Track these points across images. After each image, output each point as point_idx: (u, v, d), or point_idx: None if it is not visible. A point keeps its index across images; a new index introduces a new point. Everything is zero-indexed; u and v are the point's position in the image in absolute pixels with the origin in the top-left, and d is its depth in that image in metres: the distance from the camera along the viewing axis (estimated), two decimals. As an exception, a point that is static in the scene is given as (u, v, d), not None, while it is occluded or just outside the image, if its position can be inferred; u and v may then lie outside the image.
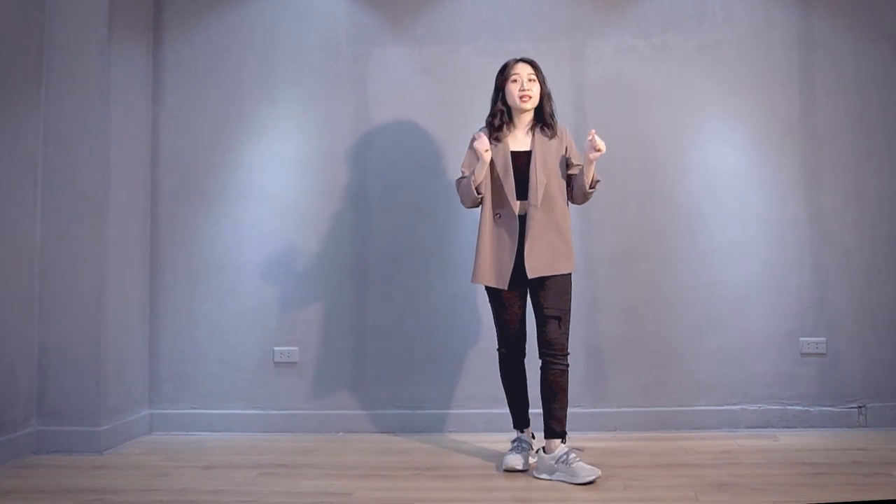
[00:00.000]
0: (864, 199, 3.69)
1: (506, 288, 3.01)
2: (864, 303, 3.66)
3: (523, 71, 3.07)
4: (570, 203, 3.12)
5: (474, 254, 3.11)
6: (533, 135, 3.08)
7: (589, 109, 3.78)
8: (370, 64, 3.89)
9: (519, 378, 3.16)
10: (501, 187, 3.03)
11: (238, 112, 3.90)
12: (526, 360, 3.16)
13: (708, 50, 3.79)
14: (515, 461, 3.04)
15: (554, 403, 2.97)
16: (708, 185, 3.74)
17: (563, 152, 3.09)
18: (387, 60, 3.88)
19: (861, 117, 3.71)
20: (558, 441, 2.96)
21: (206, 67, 3.92)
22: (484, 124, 3.16)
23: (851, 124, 3.71)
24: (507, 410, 3.23)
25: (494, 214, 3.05)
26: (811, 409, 3.64)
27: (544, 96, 3.10)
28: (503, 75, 3.10)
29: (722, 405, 3.66)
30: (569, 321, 3.02)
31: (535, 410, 3.13)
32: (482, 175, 3.01)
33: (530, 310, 3.09)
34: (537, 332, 3.02)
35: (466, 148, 3.17)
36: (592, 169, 3.00)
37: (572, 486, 2.84)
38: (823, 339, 3.66)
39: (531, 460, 3.08)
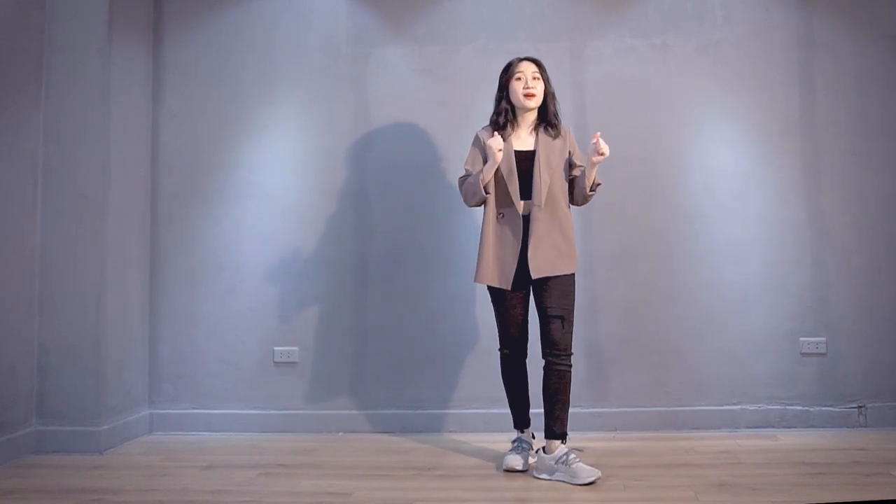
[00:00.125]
0: (864, 199, 3.69)
1: (509, 288, 3.00)
2: (864, 303, 3.66)
3: (528, 69, 3.05)
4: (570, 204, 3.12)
5: (475, 254, 3.12)
6: (537, 134, 3.07)
7: (589, 109, 3.78)
8: (370, 64, 3.89)
9: (520, 378, 3.15)
10: (505, 187, 3.01)
11: (238, 112, 3.90)
12: (527, 361, 3.16)
13: (708, 50, 3.79)
14: (515, 461, 3.04)
15: (555, 404, 2.97)
16: (708, 185, 3.74)
17: (567, 153, 3.08)
18: (387, 60, 3.88)
19: (861, 117, 3.71)
20: (558, 442, 2.96)
21: (206, 67, 3.92)
22: (487, 123, 3.14)
23: (851, 124, 3.71)
24: (507, 410, 3.23)
25: (498, 214, 3.04)
26: (811, 409, 3.64)
27: (548, 95, 3.08)
28: (507, 73, 3.09)
29: (722, 405, 3.67)
30: (572, 321, 3.01)
31: (536, 410, 3.13)
32: (491, 174, 2.99)
33: (532, 310, 3.08)
34: (541, 331, 3.02)
35: (467, 147, 3.17)
36: (594, 172, 2.99)
37: (572, 486, 2.84)
38: (823, 339, 3.66)
39: (531, 460, 3.08)
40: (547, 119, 3.08)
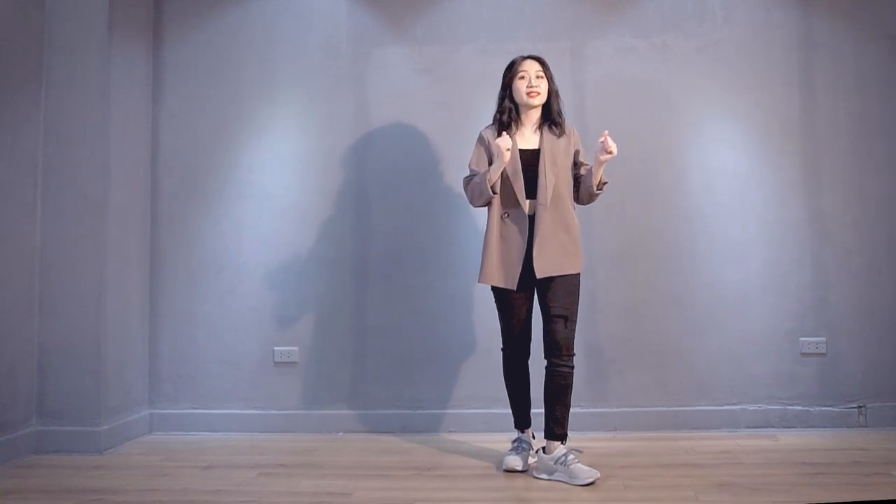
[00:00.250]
0: (864, 199, 3.69)
1: (515, 289, 2.98)
2: (864, 303, 3.66)
3: (531, 68, 3.04)
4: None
5: (475, 254, 3.12)
6: (541, 133, 3.05)
7: (589, 109, 3.78)
8: (370, 64, 3.89)
9: (522, 379, 3.14)
10: (510, 186, 2.99)
11: (238, 112, 3.90)
12: (529, 361, 3.15)
13: (708, 50, 3.79)
14: (515, 462, 3.04)
15: (557, 405, 2.96)
16: (708, 185, 3.74)
17: (572, 151, 3.07)
18: (387, 60, 3.88)
19: (861, 117, 3.71)
20: (558, 442, 2.95)
21: (206, 67, 3.92)
22: (491, 122, 3.12)
23: (851, 124, 3.71)
24: (506, 410, 3.23)
25: (502, 214, 3.01)
26: (811, 409, 3.64)
27: (552, 93, 3.06)
28: (511, 72, 3.07)
29: (722, 405, 3.66)
30: (575, 321, 2.99)
31: (536, 410, 3.13)
32: (498, 174, 2.96)
33: (536, 310, 3.07)
34: (544, 331, 3.00)
35: (468, 147, 3.16)
36: (601, 170, 2.99)
37: (572, 486, 2.83)
38: (823, 339, 3.66)
39: (531, 460, 3.08)
40: (551, 117, 3.06)
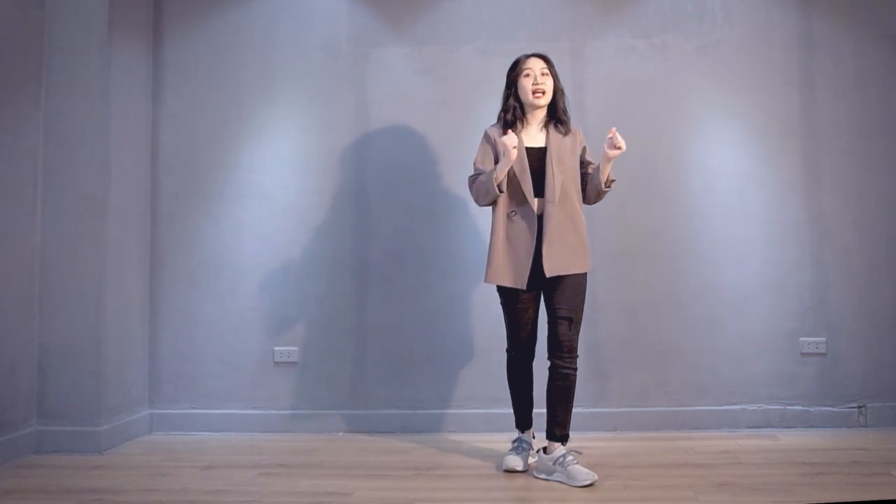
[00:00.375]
0: (864, 199, 3.69)
1: (524, 288, 2.95)
2: (864, 303, 3.66)
3: (536, 66, 3.02)
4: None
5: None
6: (547, 131, 3.03)
7: (589, 109, 3.78)
8: (370, 64, 3.89)
9: (526, 381, 3.11)
10: (517, 184, 2.96)
11: (238, 112, 3.90)
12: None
13: (708, 50, 3.79)
14: (515, 462, 3.04)
15: (559, 406, 2.95)
16: (708, 185, 3.74)
17: (578, 150, 3.05)
18: (387, 60, 3.88)
19: (861, 117, 3.71)
20: (559, 443, 2.95)
21: (206, 67, 3.92)
22: (496, 120, 3.10)
23: (851, 124, 3.71)
24: (507, 410, 3.23)
25: (509, 212, 2.99)
26: (811, 409, 3.64)
27: (557, 91, 3.05)
28: (515, 71, 3.05)
29: (722, 405, 3.66)
30: (580, 322, 2.98)
31: (537, 410, 3.13)
32: (505, 172, 2.93)
33: (542, 313, 3.05)
34: (548, 332, 2.99)
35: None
36: (609, 167, 2.97)
37: (571, 486, 2.83)
38: (823, 339, 3.66)
39: (531, 460, 3.08)
40: (557, 115, 3.05)
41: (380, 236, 3.83)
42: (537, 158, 2.98)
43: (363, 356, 3.80)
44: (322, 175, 3.86)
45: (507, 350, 3.13)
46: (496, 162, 3.00)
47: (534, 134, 3.04)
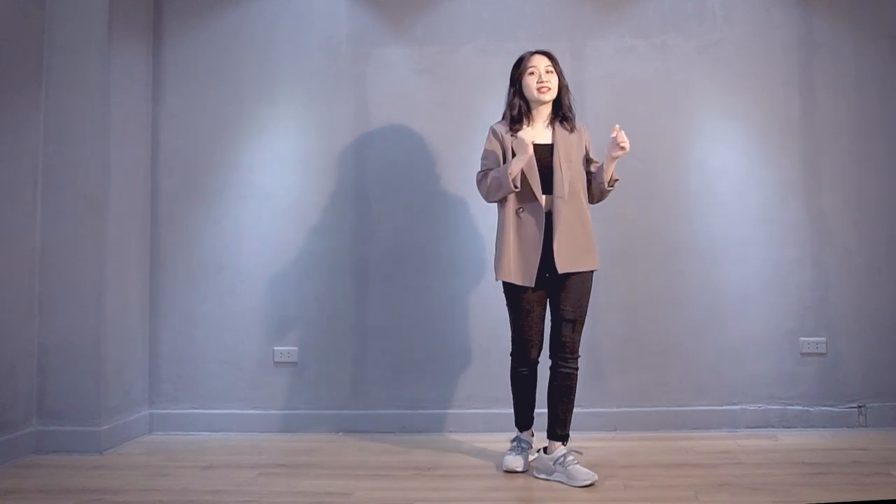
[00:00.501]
0: (864, 199, 3.69)
1: (532, 286, 2.94)
2: (864, 303, 3.66)
3: (540, 63, 3.01)
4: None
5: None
6: (553, 128, 3.03)
7: (589, 109, 3.77)
8: (370, 64, 3.89)
9: (529, 385, 3.09)
10: (526, 181, 2.94)
11: (238, 112, 3.90)
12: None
13: (708, 50, 3.79)
14: (515, 462, 3.03)
15: (560, 406, 2.95)
16: (708, 185, 3.74)
17: (584, 148, 3.05)
18: (387, 60, 3.88)
19: (861, 117, 3.71)
20: (559, 443, 2.95)
21: (206, 67, 3.92)
22: (501, 117, 3.09)
23: (851, 124, 3.71)
24: (507, 410, 3.22)
25: (517, 209, 2.97)
26: (811, 409, 3.64)
27: (562, 88, 3.04)
28: (519, 68, 3.04)
29: (722, 405, 3.66)
30: (583, 323, 2.98)
31: (538, 410, 3.13)
32: (519, 168, 2.91)
33: (547, 313, 3.04)
34: (552, 332, 2.99)
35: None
36: (613, 167, 2.96)
37: (571, 486, 2.83)
38: (823, 339, 3.66)
39: (530, 458, 3.07)
40: (562, 112, 3.04)
41: (380, 236, 3.83)
42: (544, 155, 2.97)
43: (363, 356, 3.80)
44: (322, 175, 3.86)
45: (510, 354, 3.11)
46: (504, 158, 3.00)
47: (540, 131, 3.03)
